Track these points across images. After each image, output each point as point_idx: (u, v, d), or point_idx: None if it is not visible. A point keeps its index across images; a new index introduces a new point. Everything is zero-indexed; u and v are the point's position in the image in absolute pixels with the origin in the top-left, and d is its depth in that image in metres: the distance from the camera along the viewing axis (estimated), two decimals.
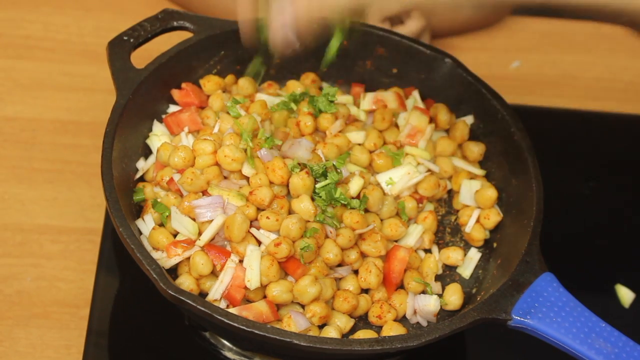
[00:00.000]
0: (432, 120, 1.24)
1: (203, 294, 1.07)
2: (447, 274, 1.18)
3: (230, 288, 1.05)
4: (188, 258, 1.07)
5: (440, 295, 1.13)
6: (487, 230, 1.20)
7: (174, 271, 1.09)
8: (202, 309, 0.96)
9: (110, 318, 1.18)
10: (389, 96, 1.25)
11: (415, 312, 1.12)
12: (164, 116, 1.21)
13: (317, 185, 1.09)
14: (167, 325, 1.17)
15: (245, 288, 1.05)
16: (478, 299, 1.10)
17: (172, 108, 1.22)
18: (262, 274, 1.04)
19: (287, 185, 1.10)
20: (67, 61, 1.50)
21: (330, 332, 1.06)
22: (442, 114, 1.24)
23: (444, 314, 1.13)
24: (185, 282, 1.06)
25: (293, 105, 1.20)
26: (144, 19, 1.21)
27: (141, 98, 1.15)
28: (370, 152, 1.20)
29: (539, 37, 1.66)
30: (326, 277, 1.08)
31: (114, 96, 1.13)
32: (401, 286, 1.13)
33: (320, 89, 1.30)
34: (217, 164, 1.11)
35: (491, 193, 1.19)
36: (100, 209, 1.29)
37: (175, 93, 1.22)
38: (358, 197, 1.13)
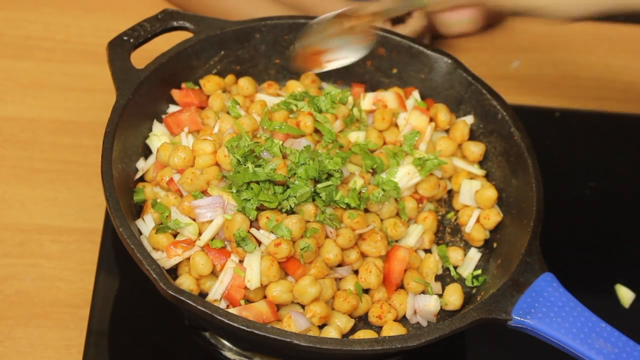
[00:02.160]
0: (432, 120, 1.24)
1: (203, 294, 1.07)
2: (447, 274, 1.18)
3: (230, 288, 1.05)
4: (188, 258, 1.07)
5: (440, 295, 1.13)
6: (487, 230, 1.20)
7: (174, 271, 1.09)
8: (202, 309, 0.96)
9: (110, 318, 1.18)
10: (389, 96, 1.25)
11: (415, 312, 1.12)
12: (164, 116, 1.21)
13: (319, 186, 1.09)
14: (167, 326, 1.17)
15: (245, 288, 1.05)
16: (478, 299, 1.10)
17: (172, 108, 1.22)
18: (262, 274, 1.04)
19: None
20: (67, 61, 1.50)
21: (330, 332, 1.06)
22: (442, 114, 1.24)
23: (444, 314, 1.13)
24: (185, 282, 1.06)
25: (294, 106, 1.20)
26: (144, 19, 1.21)
27: (141, 98, 1.15)
28: (371, 151, 1.20)
29: (539, 37, 1.66)
30: (326, 277, 1.08)
31: (114, 96, 1.13)
32: (401, 286, 1.13)
33: (320, 89, 1.30)
34: (217, 164, 1.11)
35: (491, 193, 1.19)
36: (100, 209, 1.29)
37: (175, 93, 1.22)
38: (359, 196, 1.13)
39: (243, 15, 1.40)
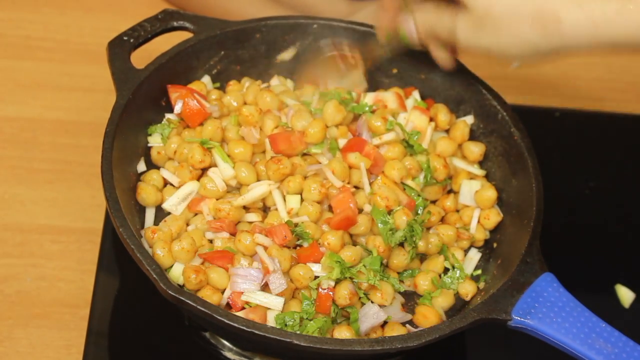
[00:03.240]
0: (432, 120, 1.24)
1: None
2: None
3: (232, 295, 1.05)
4: None
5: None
6: (487, 230, 1.19)
7: None
8: (203, 309, 0.96)
9: (110, 318, 1.18)
10: (389, 96, 1.25)
11: None
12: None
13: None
14: (167, 326, 1.17)
15: None
16: (478, 299, 1.10)
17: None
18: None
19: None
20: (67, 61, 1.50)
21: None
22: (442, 114, 1.24)
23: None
24: None
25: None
26: (144, 19, 1.21)
27: (141, 98, 1.15)
28: None
29: None
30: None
31: (114, 96, 1.13)
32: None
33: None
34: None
35: (491, 193, 1.19)
36: (100, 209, 1.29)
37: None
38: None
39: (243, 15, 1.40)
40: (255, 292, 1.03)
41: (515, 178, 1.17)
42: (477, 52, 1.05)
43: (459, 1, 1.04)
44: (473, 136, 1.26)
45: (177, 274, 1.05)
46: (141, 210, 1.14)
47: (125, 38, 1.19)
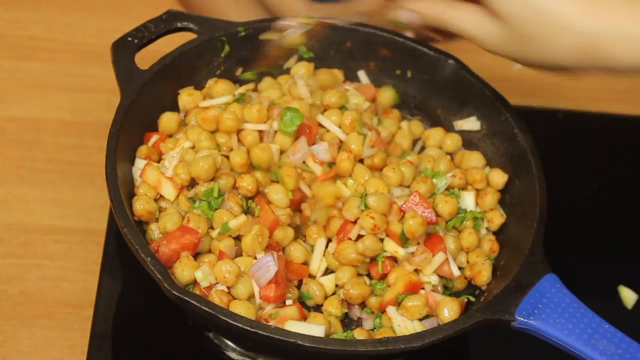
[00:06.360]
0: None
1: None
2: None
3: None
4: None
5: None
6: (491, 232, 1.19)
7: None
8: (207, 309, 0.96)
9: (113, 318, 1.18)
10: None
11: None
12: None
13: None
14: (171, 326, 1.17)
15: None
16: (481, 300, 1.10)
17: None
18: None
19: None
20: (71, 62, 1.50)
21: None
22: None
23: None
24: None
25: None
26: (148, 20, 1.21)
27: (145, 99, 1.16)
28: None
29: None
30: None
31: (118, 97, 1.13)
32: None
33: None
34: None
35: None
36: (103, 210, 1.29)
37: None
38: None
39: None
40: (295, 322, 1.03)
41: (519, 179, 1.18)
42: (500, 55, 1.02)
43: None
44: (477, 137, 1.26)
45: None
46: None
47: (129, 39, 1.19)
